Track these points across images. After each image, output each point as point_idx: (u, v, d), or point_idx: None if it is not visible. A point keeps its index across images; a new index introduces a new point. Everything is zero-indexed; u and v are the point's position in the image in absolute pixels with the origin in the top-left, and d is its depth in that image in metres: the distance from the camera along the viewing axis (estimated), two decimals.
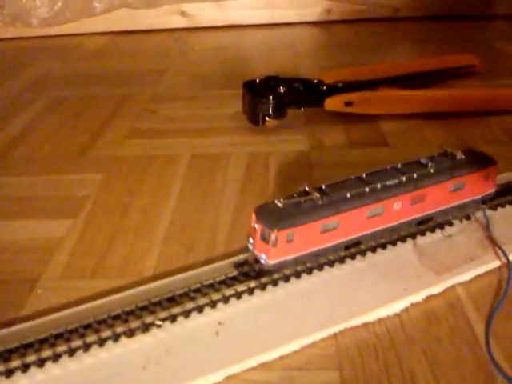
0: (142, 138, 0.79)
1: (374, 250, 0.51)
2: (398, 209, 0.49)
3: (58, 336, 0.41)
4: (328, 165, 0.70)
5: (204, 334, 0.42)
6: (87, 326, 0.42)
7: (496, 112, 0.81)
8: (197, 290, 0.45)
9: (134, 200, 0.64)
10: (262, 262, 0.45)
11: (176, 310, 0.44)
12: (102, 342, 0.41)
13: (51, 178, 0.69)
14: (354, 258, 0.50)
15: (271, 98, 0.76)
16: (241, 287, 0.46)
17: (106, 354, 0.41)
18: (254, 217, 0.45)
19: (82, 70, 1.14)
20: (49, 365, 0.40)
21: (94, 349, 0.41)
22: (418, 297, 0.46)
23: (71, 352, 0.40)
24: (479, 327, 0.44)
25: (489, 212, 0.56)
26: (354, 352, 0.42)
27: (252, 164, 0.70)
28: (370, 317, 0.44)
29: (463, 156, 0.52)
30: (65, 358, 0.40)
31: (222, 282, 0.46)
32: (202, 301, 0.44)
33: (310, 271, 0.48)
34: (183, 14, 1.38)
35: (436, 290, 0.47)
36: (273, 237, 0.44)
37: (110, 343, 0.41)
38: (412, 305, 0.46)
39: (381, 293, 0.46)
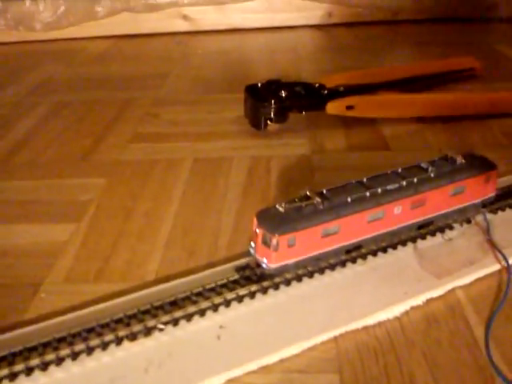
0: (144, 142, 0.80)
1: (374, 253, 0.51)
2: (399, 213, 0.49)
3: (61, 340, 0.42)
4: (329, 168, 0.70)
5: (206, 338, 0.43)
6: (90, 330, 0.42)
7: (497, 115, 0.81)
8: (199, 294, 0.46)
9: (136, 204, 0.64)
10: (264, 266, 0.46)
11: (178, 313, 0.44)
12: (104, 346, 0.41)
13: (54, 182, 0.70)
14: (355, 261, 0.50)
15: (273, 102, 0.76)
16: (242, 291, 0.46)
17: (108, 358, 0.41)
18: (255, 221, 0.46)
19: (84, 74, 1.14)
20: (52, 368, 0.40)
21: (97, 352, 0.41)
22: (419, 300, 0.46)
23: (74, 356, 0.41)
24: (479, 330, 0.44)
25: (489, 215, 0.56)
26: (354, 355, 0.42)
27: (254, 168, 0.71)
28: (371, 320, 0.45)
29: (463, 160, 0.52)
30: (68, 362, 0.40)
31: (223, 286, 0.47)
32: (204, 304, 0.45)
33: (311, 275, 0.48)
34: (185, 17, 1.39)
35: (436, 293, 0.47)
36: (274, 241, 0.44)
37: (112, 347, 0.42)
38: (412, 308, 0.46)
39: (381, 296, 0.47)
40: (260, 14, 1.39)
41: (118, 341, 0.42)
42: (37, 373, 0.40)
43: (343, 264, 0.50)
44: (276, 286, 0.47)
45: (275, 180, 0.67)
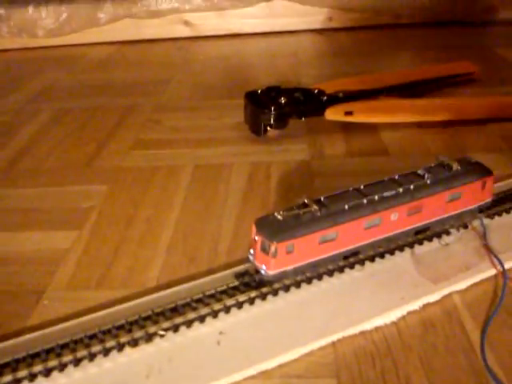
0: (146, 149, 0.81)
1: (372, 259, 0.52)
2: (395, 219, 0.50)
3: (63, 346, 0.42)
4: (329, 174, 0.71)
5: (206, 344, 0.43)
6: (92, 336, 0.43)
7: (496, 120, 0.82)
8: (199, 300, 0.46)
9: (138, 211, 0.65)
10: (263, 272, 0.46)
11: (178, 319, 0.45)
12: (106, 352, 0.42)
13: (56, 189, 0.71)
14: (353, 267, 0.51)
15: (272, 108, 0.77)
16: (242, 297, 0.47)
17: (110, 364, 0.42)
18: (254, 229, 0.46)
19: (86, 80, 1.15)
20: (55, 374, 0.41)
21: (99, 358, 0.42)
22: (415, 305, 0.47)
23: (76, 362, 0.41)
24: (475, 335, 0.45)
25: (486, 221, 0.56)
26: (351, 359, 0.43)
27: (254, 174, 0.71)
28: (368, 325, 0.45)
29: (459, 166, 0.53)
30: (70, 368, 0.41)
31: (223, 292, 0.47)
32: (204, 311, 0.45)
33: (309, 281, 0.49)
34: (186, 23, 1.40)
35: (433, 298, 0.48)
36: (272, 248, 0.45)
37: (114, 353, 0.42)
38: (409, 313, 0.47)
39: (378, 302, 0.47)
40: (260, 19, 1.39)
41: (120, 347, 0.43)
42: (40, 379, 0.40)
43: (341, 270, 0.50)
44: (275, 292, 0.48)
45: (275, 186, 0.68)
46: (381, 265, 0.51)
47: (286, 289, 0.48)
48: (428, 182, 0.51)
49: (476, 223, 0.56)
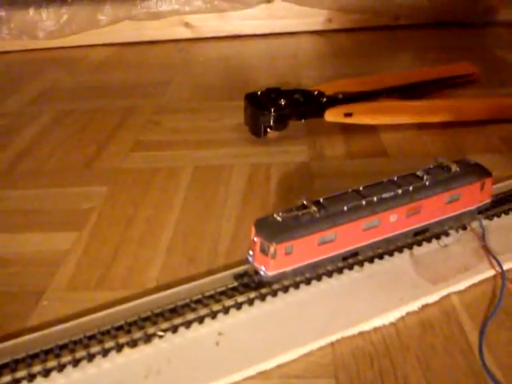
0: (146, 151, 0.81)
1: (371, 260, 0.52)
2: (394, 221, 0.50)
3: (63, 347, 0.42)
4: (329, 175, 0.71)
5: (204, 344, 0.43)
6: (91, 337, 0.43)
7: (496, 121, 0.82)
8: (198, 301, 0.47)
9: (138, 212, 0.65)
10: (262, 273, 0.46)
11: (177, 320, 0.45)
12: (105, 353, 0.42)
13: (57, 190, 0.71)
14: (352, 268, 0.51)
15: (272, 110, 0.77)
16: (241, 298, 0.47)
17: (109, 364, 0.42)
18: (253, 230, 0.47)
19: (87, 82, 1.15)
20: (54, 375, 0.41)
21: (98, 359, 0.42)
22: (414, 306, 0.47)
23: (75, 362, 0.41)
24: (473, 336, 0.45)
25: (485, 222, 0.57)
26: (349, 360, 0.43)
27: (254, 175, 0.72)
28: (367, 326, 0.45)
29: (458, 168, 0.53)
30: (69, 368, 0.41)
31: (222, 293, 0.48)
32: (203, 311, 0.46)
33: (308, 282, 0.49)
34: (187, 25, 1.40)
35: (431, 299, 0.48)
36: (272, 249, 0.45)
37: (113, 353, 0.42)
38: (408, 314, 0.47)
39: (377, 302, 0.47)
40: (260, 20, 1.40)
41: (119, 348, 0.43)
42: (39, 379, 0.40)
43: (340, 271, 0.50)
44: (274, 293, 0.48)
45: (275, 187, 0.68)
46: (380, 266, 0.52)
47: (285, 290, 0.48)
48: (427, 183, 0.51)
49: (475, 224, 0.56)
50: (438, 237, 0.55)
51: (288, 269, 0.46)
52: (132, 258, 0.57)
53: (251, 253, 0.47)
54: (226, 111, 0.92)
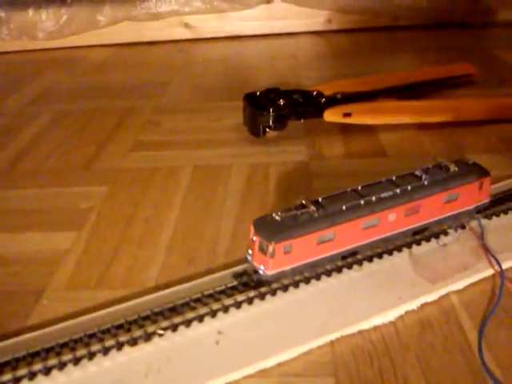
0: (145, 151, 0.81)
1: (370, 259, 0.52)
2: (393, 220, 0.50)
3: (63, 345, 0.43)
4: (327, 175, 0.71)
5: (204, 343, 0.44)
6: (91, 336, 0.43)
7: (494, 121, 0.82)
8: (197, 300, 0.47)
9: (137, 211, 0.65)
10: (261, 272, 0.47)
11: (177, 319, 0.45)
12: (105, 351, 0.42)
13: (56, 190, 0.71)
14: (351, 267, 0.51)
15: (271, 110, 0.77)
16: (240, 297, 0.47)
17: (109, 362, 0.42)
18: (252, 229, 0.47)
19: (86, 82, 1.16)
20: (55, 373, 0.41)
21: (98, 357, 0.42)
22: (413, 305, 0.47)
23: (76, 360, 0.42)
24: (472, 334, 0.45)
25: (484, 221, 0.57)
26: (349, 358, 0.43)
27: (253, 175, 0.72)
28: (366, 324, 0.45)
29: (456, 167, 0.53)
30: (70, 367, 0.41)
31: (222, 292, 0.48)
32: (203, 310, 0.46)
33: (307, 281, 0.49)
34: (186, 25, 1.40)
35: (430, 298, 0.48)
36: (270, 249, 0.45)
37: (113, 352, 0.43)
38: (407, 313, 0.47)
39: (376, 301, 0.47)
40: (260, 21, 1.40)
41: (119, 346, 0.43)
42: (40, 377, 0.41)
43: (339, 270, 0.51)
44: (273, 292, 0.48)
45: (274, 187, 0.68)
46: (379, 265, 0.52)
47: (285, 289, 0.48)
48: (425, 183, 0.51)
49: (474, 224, 0.56)
50: (436, 236, 0.55)
51: (287, 268, 0.47)
52: (131, 258, 0.57)
53: (250, 252, 0.47)
54: (225, 111, 0.93)
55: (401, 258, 0.52)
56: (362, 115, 0.80)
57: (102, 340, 0.43)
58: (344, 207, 0.48)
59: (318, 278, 0.50)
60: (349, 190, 0.50)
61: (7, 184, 0.73)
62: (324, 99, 0.81)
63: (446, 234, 0.55)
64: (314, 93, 0.81)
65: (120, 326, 0.44)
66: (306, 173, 0.71)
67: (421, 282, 0.49)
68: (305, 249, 0.47)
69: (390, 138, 0.80)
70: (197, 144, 0.82)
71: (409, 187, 0.50)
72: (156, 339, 0.44)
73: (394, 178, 0.52)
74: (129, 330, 0.44)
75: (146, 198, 0.68)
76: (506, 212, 0.59)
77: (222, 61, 1.25)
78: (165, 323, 0.45)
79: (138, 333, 0.44)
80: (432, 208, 0.52)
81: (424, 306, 0.48)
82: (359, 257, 0.51)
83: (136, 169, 0.75)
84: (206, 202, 0.66)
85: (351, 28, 1.40)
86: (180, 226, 0.62)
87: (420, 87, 0.91)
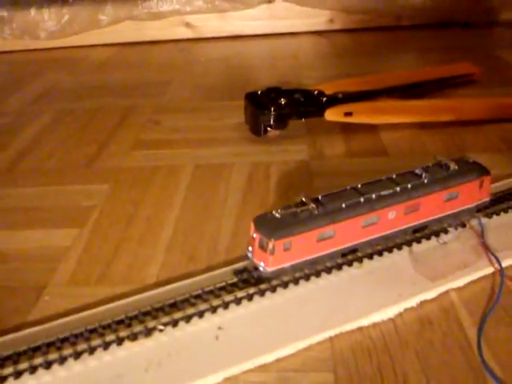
0: (146, 149, 0.81)
1: (370, 257, 0.52)
2: (393, 218, 0.50)
3: (64, 340, 0.43)
4: (328, 174, 0.71)
5: (204, 338, 0.44)
6: (92, 331, 0.44)
7: (495, 120, 0.82)
8: (198, 296, 0.47)
9: (138, 210, 0.65)
10: (261, 269, 0.47)
11: (177, 315, 0.45)
12: (106, 346, 0.43)
13: (58, 188, 0.71)
14: (351, 265, 0.51)
15: (272, 109, 0.77)
16: (240, 293, 0.47)
17: (110, 357, 0.42)
18: (252, 227, 0.47)
19: (88, 81, 1.16)
20: (55, 367, 0.41)
21: (99, 352, 0.42)
22: (412, 302, 0.47)
23: (77, 355, 0.42)
24: (472, 332, 0.45)
25: (484, 220, 0.57)
26: (348, 355, 0.43)
27: (253, 173, 0.72)
28: (365, 321, 0.46)
29: (457, 166, 0.53)
30: (70, 361, 0.42)
31: (222, 289, 0.48)
32: (203, 306, 0.46)
33: (307, 278, 0.49)
34: (188, 25, 1.41)
35: (430, 295, 0.48)
36: (270, 245, 0.45)
37: (114, 346, 0.43)
38: (406, 310, 0.47)
39: (376, 298, 0.48)
40: (262, 20, 1.40)
41: (119, 341, 0.43)
42: (40, 371, 0.41)
43: (339, 267, 0.51)
44: (273, 289, 0.48)
45: (274, 185, 0.69)
46: (379, 262, 0.52)
47: (285, 285, 0.49)
48: (425, 181, 0.51)
49: (474, 222, 0.56)
50: (437, 234, 0.55)
51: (287, 265, 0.47)
52: (132, 256, 0.57)
53: (250, 249, 0.48)
54: (226, 111, 0.93)
55: (401, 256, 0.53)
56: (363, 115, 0.80)
57: (102, 335, 0.43)
58: (344, 205, 0.48)
59: (317, 275, 0.50)
60: (349, 187, 0.50)
61: (9, 182, 0.74)
62: (325, 98, 0.81)
63: (446, 232, 0.55)
64: (315, 92, 0.82)
65: (120, 322, 0.45)
66: (307, 172, 0.72)
67: (420, 280, 0.50)
68: (304, 246, 0.47)
69: (391, 137, 0.80)
70: (198, 143, 0.82)
71: (409, 185, 0.50)
72: (156, 334, 0.44)
73: (394, 176, 0.52)
74: (129, 326, 0.44)
75: (147, 196, 0.68)
76: (506, 211, 0.59)
77: (223, 60, 1.25)
78: (165, 319, 0.45)
79: (138, 328, 0.44)
80: (432, 206, 0.52)
81: (423, 303, 0.48)
82: (359, 254, 0.52)
83: (137, 167, 0.75)
84: (207, 200, 0.66)
85: (353, 28, 1.40)
86: (181, 224, 0.62)
87: (421, 87, 0.92)
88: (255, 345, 0.43)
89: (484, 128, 0.81)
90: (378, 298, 0.48)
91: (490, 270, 0.51)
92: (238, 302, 0.47)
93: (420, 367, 0.42)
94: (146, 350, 0.43)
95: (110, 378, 0.40)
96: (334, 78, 0.99)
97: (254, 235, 0.47)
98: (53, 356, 0.41)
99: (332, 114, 0.79)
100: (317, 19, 1.40)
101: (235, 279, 0.49)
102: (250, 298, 0.47)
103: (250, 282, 0.49)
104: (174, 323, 0.45)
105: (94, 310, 0.47)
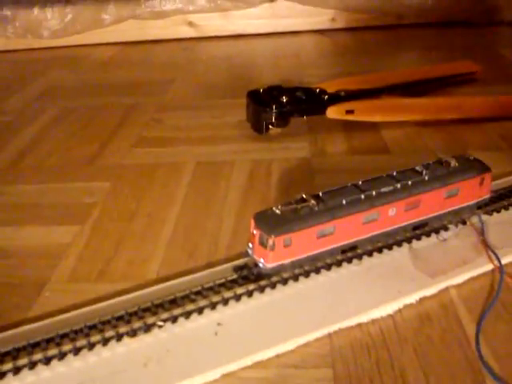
0: (148, 147, 0.81)
1: (370, 253, 0.52)
2: (393, 215, 0.50)
3: (63, 336, 0.43)
4: (329, 171, 0.71)
5: (203, 334, 0.44)
6: (92, 327, 0.44)
7: (496, 119, 0.82)
8: (197, 293, 0.47)
9: (139, 207, 0.65)
10: (261, 265, 0.47)
11: (177, 311, 0.45)
12: (105, 342, 0.43)
13: (59, 185, 0.71)
14: (351, 261, 0.51)
15: (274, 107, 0.77)
16: (240, 290, 0.47)
17: (109, 353, 0.42)
18: (252, 223, 0.47)
19: (90, 80, 1.16)
20: (55, 363, 0.41)
21: (98, 348, 0.43)
22: (412, 298, 0.48)
23: (76, 351, 0.42)
24: (470, 328, 0.45)
25: (484, 217, 0.57)
26: (347, 351, 0.43)
27: (255, 171, 0.72)
28: (364, 317, 0.46)
29: (457, 163, 0.53)
30: (70, 357, 0.42)
31: (221, 285, 0.48)
32: (202, 303, 0.46)
33: (307, 274, 0.50)
34: (190, 24, 1.41)
35: (429, 292, 0.48)
36: (270, 242, 0.45)
37: (113, 342, 0.43)
38: (405, 306, 0.47)
39: (375, 294, 0.48)
40: (264, 19, 1.40)
41: (119, 337, 0.43)
42: (40, 367, 0.41)
43: (339, 264, 0.51)
44: (273, 285, 0.48)
45: (276, 183, 0.69)
46: (379, 259, 0.52)
47: (284, 282, 0.49)
48: (426, 178, 0.52)
49: (474, 219, 0.56)
50: (437, 231, 0.55)
51: (286, 261, 0.47)
52: (133, 252, 0.57)
53: (250, 245, 0.48)
54: (228, 109, 0.93)
55: (401, 253, 0.53)
56: (365, 112, 0.80)
57: (101, 331, 0.43)
58: (344, 201, 0.48)
59: (317, 271, 0.50)
60: (349, 184, 0.50)
61: (10, 179, 0.74)
62: (327, 96, 0.81)
63: (446, 229, 0.56)
64: (317, 90, 0.82)
65: (120, 318, 0.45)
66: (308, 169, 0.72)
67: (420, 276, 0.50)
68: (304, 242, 0.47)
69: (392, 134, 0.80)
70: (200, 140, 0.82)
71: (409, 182, 0.51)
72: (156, 330, 0.44)
73: (394, 173, 0.52)
74: (129, 322, 0.44)
75: (149, 193, 0.68)
76: (506, 208, 0.59)
77: (225, 59, 1.26)
78: (165, 315, 0.45)
79: (137, 324, 0.44)
80: (432, 203, 0.52)
81: (423, 299, 0.48)
82: (359, 251, 0.52)
83: (139, 165, 0.76)
84: (208, 197, 0.66)
85: (355, 26, 1.40)
86: (182, 221, 0.62)
87: (423, 85, 0.92)
88: (254, 341, 0.43)
89: (485, 126, 0.81)
90: (378, 294, 0.48)
91: (489, 267, 0.51)
92: (237, 298, 0.47)
93: (418, 363, 0.42)
94: (145, 345, 0.43)
95: (110, 373, 0.41)
96: (336, 76, 1.00)
97: (254, 231, 0.47)
98: (52, 352, 0.41)
99: (334, 112, 0.79)
100: (319, 18, 1.40)
101: (235, 276, 0.49)
102: (249, 294, 0.47)
103: (250, 278, 0.49)
104: (174, 319, 0.45)
105: (94, 306, 0.47)
